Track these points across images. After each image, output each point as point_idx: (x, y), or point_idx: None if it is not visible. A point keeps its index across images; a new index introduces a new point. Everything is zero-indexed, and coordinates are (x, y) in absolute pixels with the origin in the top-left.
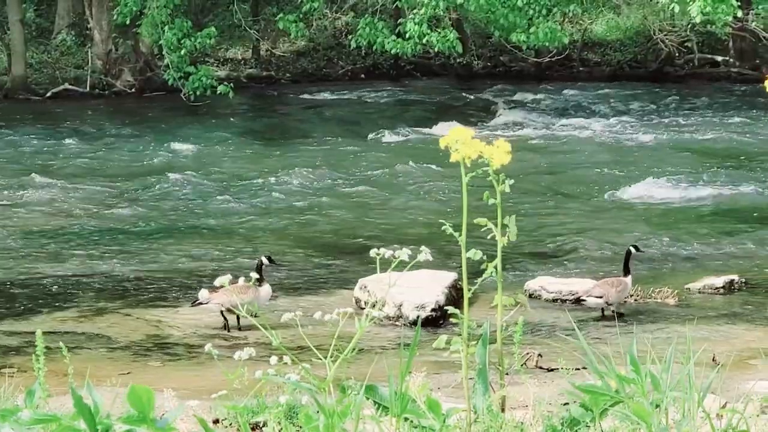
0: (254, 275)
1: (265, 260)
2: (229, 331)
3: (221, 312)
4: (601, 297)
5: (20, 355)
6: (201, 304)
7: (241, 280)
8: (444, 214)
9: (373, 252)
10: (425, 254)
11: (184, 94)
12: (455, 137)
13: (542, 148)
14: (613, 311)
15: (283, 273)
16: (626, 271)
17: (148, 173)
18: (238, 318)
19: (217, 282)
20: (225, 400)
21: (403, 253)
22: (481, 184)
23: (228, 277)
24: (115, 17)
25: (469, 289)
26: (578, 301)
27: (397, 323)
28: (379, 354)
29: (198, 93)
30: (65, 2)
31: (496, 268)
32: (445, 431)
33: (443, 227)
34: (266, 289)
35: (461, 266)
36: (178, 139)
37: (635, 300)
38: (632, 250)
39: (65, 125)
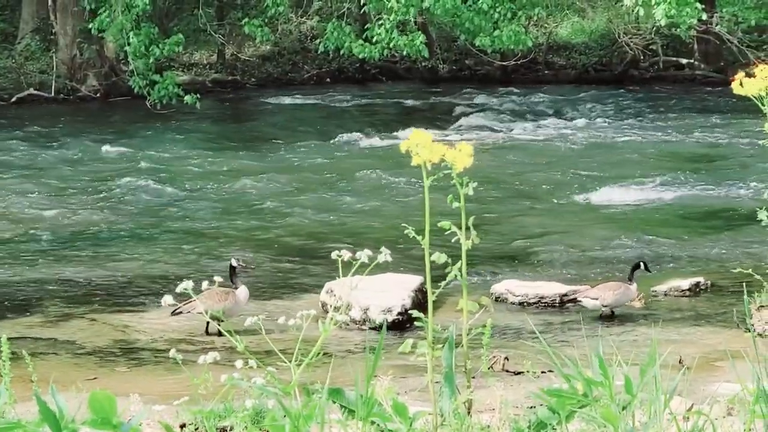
0: (218, 279)
1: (234, 262)
2: (209, 334)
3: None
4: (596, 299)
5: None
6: (180, 312)
7: (204, 285)
8: (410, 217)
9: (334, 254)
10: (385, 255)
11: (150, 103)
12: (416, 141)
13: (508, 151)
14: (612, 312)
15: (249, 277)
16: (631, 279)
17: (113, 178)
18: (208, 323)
19: (179, 288)
20: (190, 404)
21: (364, 255)
22: (448, 187)
23: (190, 283)
24: (89, 27)
25: (434, 293)
26: (574, 301)
27: (363, 327)
28: (345, 358)
29: (164, 102)
30: (30, 7)
31: (460, 271)
32: None
33: (406, 231)
34: (243, 291)
35: (428, 270)
36: (143, 144)
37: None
38: (641, 265)
39: (30, 130)
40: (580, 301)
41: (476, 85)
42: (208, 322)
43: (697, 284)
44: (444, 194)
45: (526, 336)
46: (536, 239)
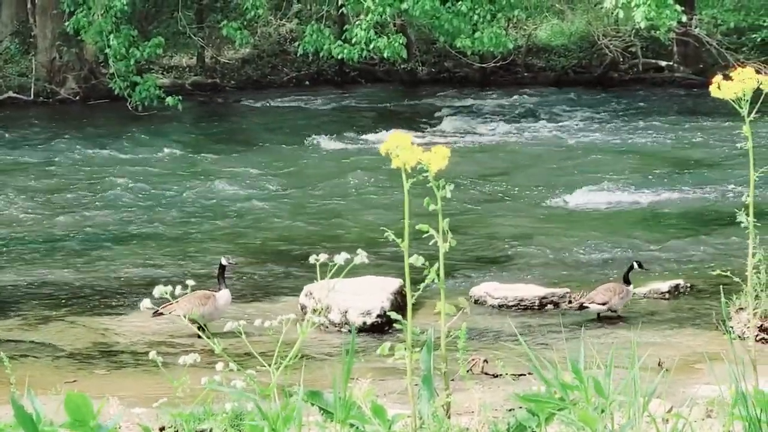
0: (191, 282)
1: (224, 261)
2: (200, 338)
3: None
4: (604, 304)
5: None
6: (161, 314)
7: (179, 289)
8: (390, 219)
9: (312, 258)
10: (362, 257)
11: (131, 105)
12: (395, 143)
13: (487, 153)
14: (615, 314)
15: (229, 279)
16: (626, 281)
17: (92, 181)
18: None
19: (156, 292)
20: (170, 407)
21: (341, 258)
22: (428, 189)
23: (166, 287)
24: (67, 27)
25: (412, 296)
26: (581, 307)
27: (342, 330)
28: (325, 361)
29: (145, 104)
30: (8, 10)
31: (438, 273)
32: None
33: (385, 234)
34: (225, 295)
35: (407, 273)
36: (122, 147)
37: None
38: (635, 266)
39: (9, 133)
40: (587, 306)
41: (455, 87)
42: (200, 326)
43: (677, 287)
44: (424, 197)
45: (506, 339)
46: (515, 242)
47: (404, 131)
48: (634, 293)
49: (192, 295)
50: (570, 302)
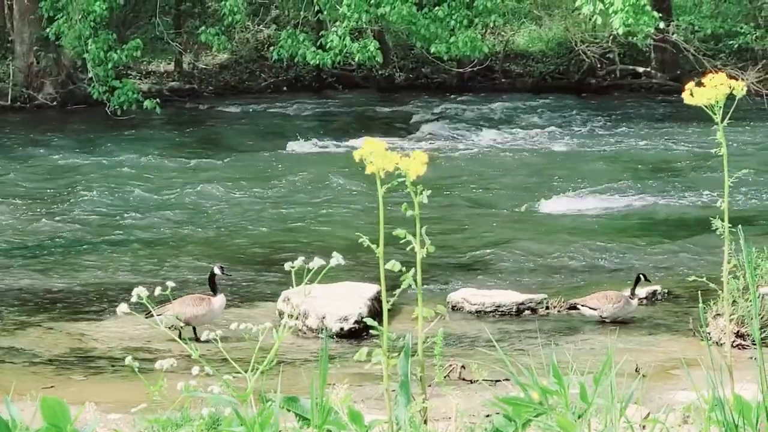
0: (170, 284)
1: (217, 270)
2: (198, 341)
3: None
4: (595, 309)
5: None
6: (152, 316)
7: (157, 291)
8: (368, 225)
9: (287, 266)
10: (337, 259)
11: (110, 109)
12: (369, 149)
13: (464, 159)
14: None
15: (207, 286)
16: (633, 293)
17: (70, 186)
18: (195, 330)
19: (134, 295)
20: (147, 412)
21: (316, 262)
22: (406, 195)
23: (143, 290)
24: (48, 33)
25: (388, 301)
26: (572, 307)
27: (320, 336)
28: (302, 366)
29: (124, 108)
30: None
31: (415, 279)
32: None
33: (360, 240)
34: (220, 300)
35: (383, 279)
36: (100, 152)
37: (558, 311)
38: (642, 278)
39: None
40: (579, 309)
41: (433, 93)
42: (194, 329)
43: (654, 293)
44: (402, 202)
45: (483, 344)
46: (493, 248)
47: (381, 137)
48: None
49: (187, 297)
50: (560, 305)
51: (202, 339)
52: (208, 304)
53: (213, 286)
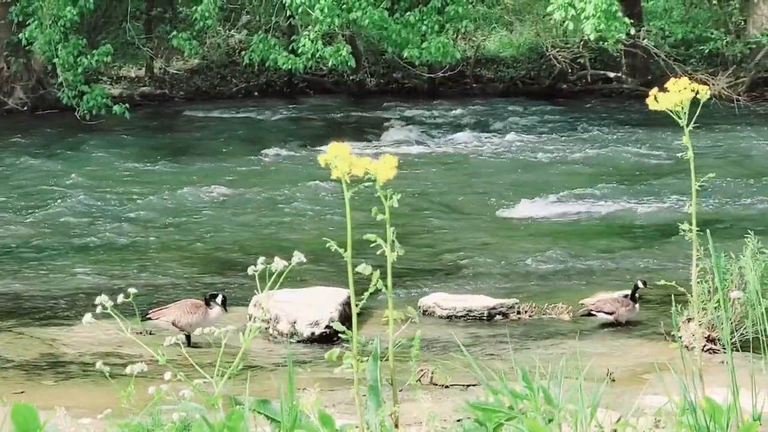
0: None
1: (220, 300)
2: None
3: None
4: (611, 314)
5: None
6: (149, 319)
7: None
8: (339, 229)
9: (250, 270)
10: (298, 257)
11: (79, 114)
12: (334, 154)
13: (435, 164)
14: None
15: (179, 290)
16: (633, 300)
17: (40, 191)
18: (188, 336)
19: (98, 304)
20: (118, 418)
21: (278, 263)
22: (377, 199)
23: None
24: (20, 39)
25: (357, 305)
26: (589, 314)
27: (292, 340)
28: (273, 371)
29: (93, 113)
30: None
31: (385, 283)
32: None
33: (328, 244)
34: (217, 311)
35: (351, 283)
36: (71, 157)
37: (529, 316)
38: (640, 284)
39: None
40: (594, 315)
41: (404, 98)
42: (188, 335)
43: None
44: (372, 206)
45: (454, 349)
46: (464, 253)
47: (352, 142)
48: (582, 304)
49: (183, 302)
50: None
51: (164, 344)
52: (203, 313)
53: (214, 300)
